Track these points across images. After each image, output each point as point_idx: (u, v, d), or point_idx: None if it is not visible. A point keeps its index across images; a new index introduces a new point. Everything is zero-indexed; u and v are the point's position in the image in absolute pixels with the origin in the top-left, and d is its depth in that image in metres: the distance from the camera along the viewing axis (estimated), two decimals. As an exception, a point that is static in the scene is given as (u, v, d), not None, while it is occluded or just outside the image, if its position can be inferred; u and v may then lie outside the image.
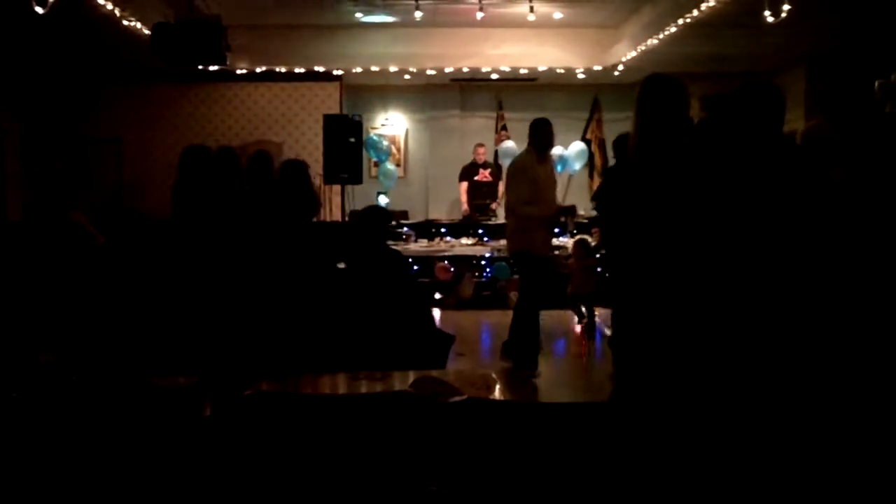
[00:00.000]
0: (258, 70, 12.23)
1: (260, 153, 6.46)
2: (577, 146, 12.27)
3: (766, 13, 7.53)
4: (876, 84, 4.23)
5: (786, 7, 7.38)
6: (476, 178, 12.44)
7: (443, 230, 11.60)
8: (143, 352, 4.37)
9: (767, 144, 3.76)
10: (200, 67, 10.81)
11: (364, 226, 7.19)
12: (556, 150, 12.29)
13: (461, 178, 12.55)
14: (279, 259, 5.72)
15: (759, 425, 3.39)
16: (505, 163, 12.65)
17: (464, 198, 12.47)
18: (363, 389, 3.40)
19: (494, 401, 3.01)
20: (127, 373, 3.55)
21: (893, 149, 3.85)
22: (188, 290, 5.20)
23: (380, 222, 7.39)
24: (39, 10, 7.03)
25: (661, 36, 9.83)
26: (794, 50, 10.59)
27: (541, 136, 7.06)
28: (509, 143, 12.61)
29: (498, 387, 3.29)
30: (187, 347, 4.44)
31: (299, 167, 6.67)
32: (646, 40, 10.33)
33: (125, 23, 8.90)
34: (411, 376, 3.43)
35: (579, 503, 2.36)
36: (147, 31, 8.84)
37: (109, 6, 8.36)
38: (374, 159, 12.91)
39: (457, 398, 2.69)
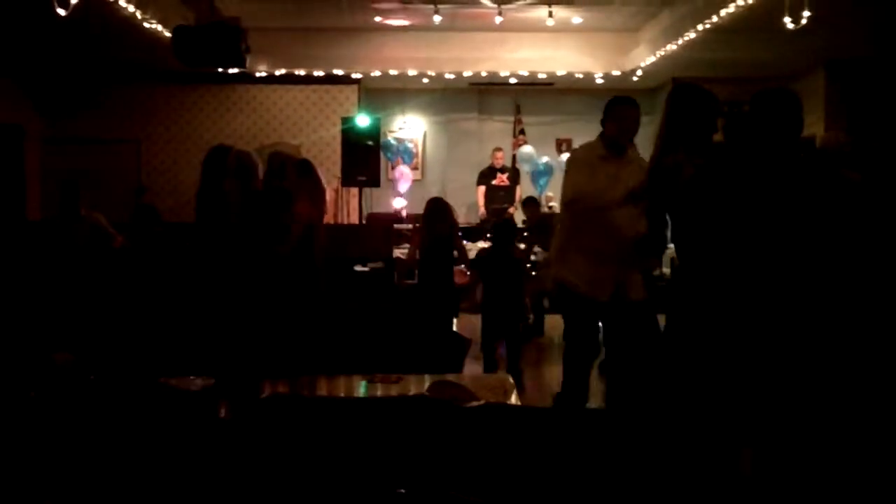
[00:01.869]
0: (277, 73, 12.27)
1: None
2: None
3: (787, 19, 7.49)
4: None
5: (806, 13, 7.34)
6: (493, 182, 12.46)
7: (459, 234, 11.59)
8: (160, 352, 4.38)
9: (786, 149, 3.77)
10: (220, 70, 10.86)
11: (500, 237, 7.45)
12: (568, 155, 12.31)
13: (479, 182, 12.57)
14: (292, 261, 5.72)
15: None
16: (522, 167, 12.68)
17: (481, 202, 12.48)
18: (378, 393, 3.40)
19: (512, 406, 3.01)
20: (142, 373, 3.57)
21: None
22: (205, 291, 5.22)
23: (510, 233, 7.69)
24: (61, 11, 7.08)
25: (679, 41, 9.80)
26: (814, 55, 10.54)
27: (615, 122, 4.92)
28: (527, 148, 12.61)
29: (515, 391, 3.29)
30: (204, 348, 4.45)
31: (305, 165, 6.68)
32: (664, 45, 10.30)
33: (146, 25, 8.95)
34: (427, 380, 3.43)
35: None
36: (167, 34, 8.89)
37: (130, 8, 8.41)
38: (392, 162, 12.95)
39: (473, 403, 2.69)
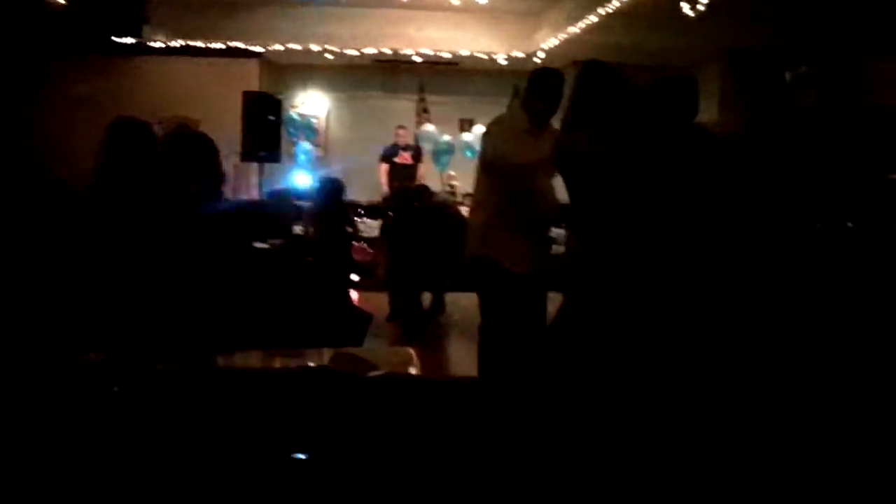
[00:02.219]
0: (175, 44, 11.96)
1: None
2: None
3: (685, 6, 7.69)
4: (787, 76, 4.39)
5: (704, 0, 7.54)
6: (396, 160, 12.43)
7: (361, 211, 11.56)
8: (54, 327, 4.25)
9: (682, 133, 3.91)
10: (117, 41, 10.53)
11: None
12: (470, 135, 12.38)
13: (381, 160, 12.52)
14: (189, 235, 5.60)
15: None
16: (425, 147, 12.68)
17: (384, 179, 12.43)
18: (278, 365, 3.38)
19: (414, 377, 3.03)
20: (34, 348, 3.46)
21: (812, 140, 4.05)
22: (100, 266, 5.08)
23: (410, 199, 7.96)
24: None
25: (581, 25, 9.94)
26: (712, 44, 10.82)
27: (542, 94, 4.68)
28: (429, 127, 12.61)
29: (416, 363, 3.31)
30: (98, 323, 4.34)
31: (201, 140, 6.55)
32: (566, 28, 10.43)
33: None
34: (327, 354, 3.42)
35: (500, 476, 2.40)
36: (62, 1, 8.57)
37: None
38: (294, 138, 12.81)
39: (376, 373, 2.70)
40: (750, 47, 10.93)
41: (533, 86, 4.68)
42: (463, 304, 9.04)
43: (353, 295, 9.01)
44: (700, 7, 7.62)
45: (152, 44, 11.77)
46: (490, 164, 4.71)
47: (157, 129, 7.44)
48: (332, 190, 8.03)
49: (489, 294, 4.74)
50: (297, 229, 9.02)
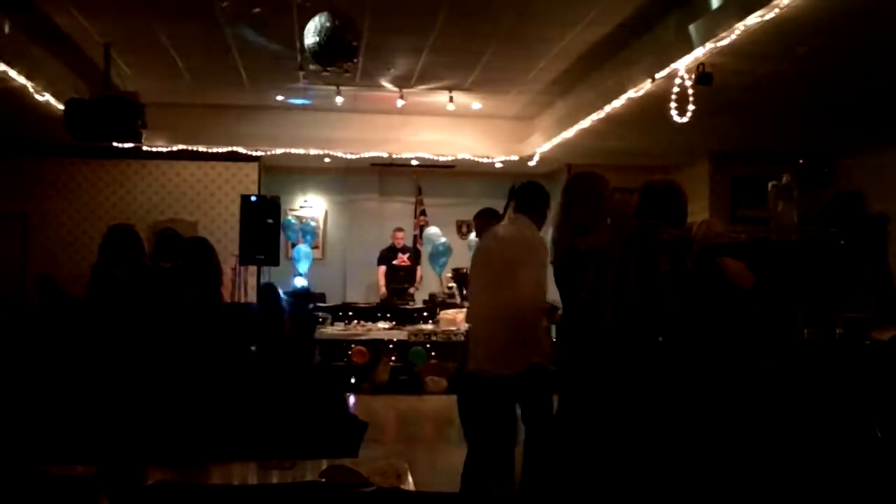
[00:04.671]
0: (175, 148, 12.15)
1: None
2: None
3: (673, 112, 7.83)
4: (769, 186, 4.50)
5: (691, 108, 7.68)
6: (394, 262, 12.51)
7: (359, 314, 11.57)
8: (40, 437, 4.20)
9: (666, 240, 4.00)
10: (115, 144, 10.68)
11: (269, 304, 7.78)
12: (474, 238, 12.45)
13: (379, 262, 12.60)
14: (187, 340, 5.60)
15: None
16: (427, 248, 12.75)
17: (381, 281, 12.50)
18: (274, 480, 3.33)
19: (404, 491, 2.99)
20: (20, 460, 3.41)
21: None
22: (90, 372, 5.06)
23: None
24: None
25: (573, 130, 10.12)
26: (699, 145, 11.01)
27: (545, 212, 5.18)
28: (433, 229, 12.70)
29: (410, 477, 3.26)
30: (86, 433, 4.28)
31: (201, 243, 6.59)
32: (559, 133, 10.62)
33: (37, 97, 8.79)
34: (323, 465, 3.38)
35: None
36: (60, 107, 8.72)
37: (21, 80, 8.23)
38: (292, 241, 12.92)
39: (366, 489, 2.67)
40: (735, 149, 11.15)
41: (545, 202, 5.13)
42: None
43: (351, 399, 8.95)
44: (688, 114, 7.76)
45: (152, 148, 11.94)
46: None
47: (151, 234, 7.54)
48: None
49: (545, 395, 4.81)
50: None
